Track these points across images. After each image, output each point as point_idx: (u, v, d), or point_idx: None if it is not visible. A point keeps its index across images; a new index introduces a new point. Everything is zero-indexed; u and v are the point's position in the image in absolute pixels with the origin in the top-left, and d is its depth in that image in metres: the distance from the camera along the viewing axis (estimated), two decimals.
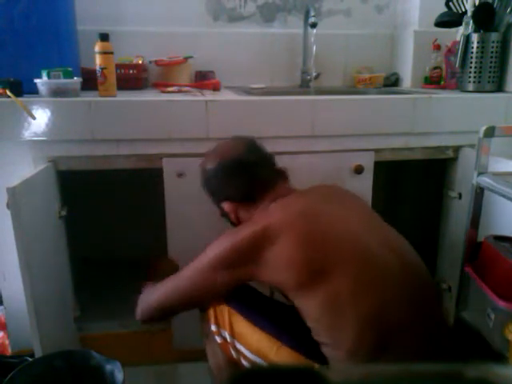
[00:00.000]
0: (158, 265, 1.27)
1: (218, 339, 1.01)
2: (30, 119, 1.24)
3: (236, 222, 1.08)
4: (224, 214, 1.10)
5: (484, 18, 1.56)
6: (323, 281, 0.85)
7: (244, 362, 0.98)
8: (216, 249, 0.95)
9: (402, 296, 0.86)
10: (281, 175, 1.07)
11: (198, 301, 1.01)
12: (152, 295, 1.05)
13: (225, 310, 0.98)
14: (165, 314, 1.05)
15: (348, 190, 1.09)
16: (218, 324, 1.00)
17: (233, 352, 0.99)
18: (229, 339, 0.98)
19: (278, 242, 0.88)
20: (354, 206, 1.03)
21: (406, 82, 1.94)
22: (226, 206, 1.06)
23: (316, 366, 0.90)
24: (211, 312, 1.00)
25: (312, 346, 0.91)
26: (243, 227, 0.96)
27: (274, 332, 0.94)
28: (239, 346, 0.97)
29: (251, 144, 1.08)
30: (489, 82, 1.59)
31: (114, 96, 1.37)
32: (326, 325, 0.86)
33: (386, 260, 0.88)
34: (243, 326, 0.96)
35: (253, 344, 0.95)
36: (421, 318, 0.87)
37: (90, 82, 1.41)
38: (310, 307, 0.87)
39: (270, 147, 1.38)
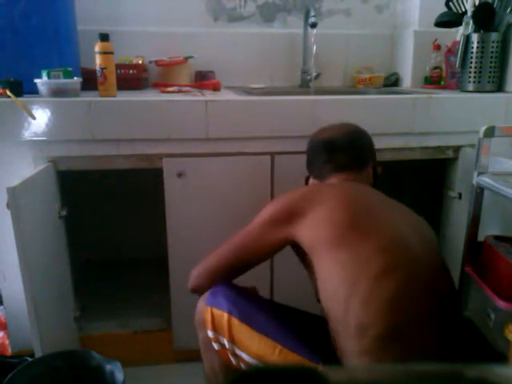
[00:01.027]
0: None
1: (216, 346, 0.99)
2: (30, 119, 1.24)
3: None
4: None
5: (484, 18, 1.56)
6: (353, 244, 0.86)
7: (244, 368, 0.96)
8: (269, 209, 0.98)
9: (423, 286, 0.86)
10: (359, 166, 1.08)
11: (247, 261, 1.02)
12: (206, 262, 1.05)
13: (223, 316, 0.96)
14: (217, 277, 1.03)
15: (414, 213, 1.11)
16: (215, 330, 0.98)
17: (232, 358, 0.97)
18: (227, 345, 0.97)
19: (323, 203, 0.93)
20: (411, 218, 1.03)
21: (406, 82, 1.94)
22: (310, 180, 1.14)
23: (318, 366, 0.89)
24: (208, 317, 0.98)
25: (315, 347, 0.90)
26: (294, 190, 1.01)
27: (274, 335, 0.92)
28: (239, 352, 0.95)
29: (351, 132, 1.11)
30: (489, 82, 1.59)
31: (114, 96, 1.37)
32: (340, 298, 0.84)
33: (416, 250, 0.89)
34: (242, 330, 0.94)
35: (253, 348, 0.93)
36: (436, 312, 0.86)
37: (90, 81, 1.41)
38: (335, 268, 0.86)
39: (269, 147, 1.40)
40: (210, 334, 0.99)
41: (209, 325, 0.98)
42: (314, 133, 1.16)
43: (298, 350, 0.91)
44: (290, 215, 0.94)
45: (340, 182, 1.05)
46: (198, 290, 1.05)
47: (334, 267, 0.87)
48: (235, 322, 0.95)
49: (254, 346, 0.93)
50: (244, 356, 0.95)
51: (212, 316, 0.98)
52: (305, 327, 0.97)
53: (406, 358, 0.80)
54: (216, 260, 1.03)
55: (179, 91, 1.52)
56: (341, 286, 0.85)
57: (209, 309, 0.98)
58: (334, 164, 1.07)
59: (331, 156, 1.07)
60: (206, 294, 1.01)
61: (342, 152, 1.07)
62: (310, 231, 0.91)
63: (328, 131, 1.12)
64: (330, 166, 1.07)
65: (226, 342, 0.97)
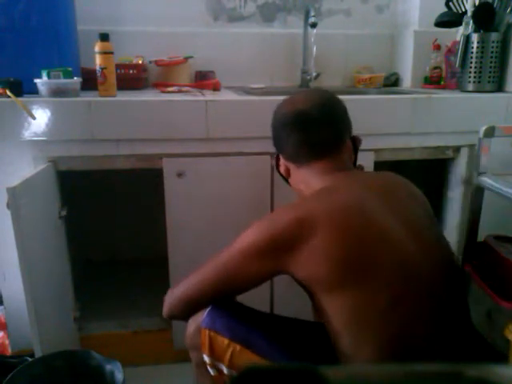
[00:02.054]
0: None
1: (212, 371, 0.94)
2: (30, 119, 1.24)
3: (287, 178, 1.02)
4: (277, 167, 1.05)
5: (484, 18, 1.56)
6: (357, 283, 0.79)
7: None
8: (251, 236, 0.85)
9: (431, 318, 0.82)
10: (339, 145, 0.95)
11: (226, 292, 0.92)
12: (178, 289, 0.97)
13: (223, 341, 0.90)
14: (190, 307, 0.95)
15: (407, 184, 1.01)
16: (212, 356, 0.91)
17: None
18: (226, 371, 0.91)
19: (317, 234, 0.80)
20: (407, 205, 0.93)
21: (406, 82, 1.94)
22: (281, 159, 1.01)
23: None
24: (206, 341, 0.91)
25: (321, 363, 0.87)
26: (281, 214, 0.86)
27: (277, 359, 0.87)
28: None
29: (325, 101, 0.97)
30: (489, 81, 1.59)
31: (114, 96, 1.37)
32: (348, 335, 0.80)
33: (423, 275, 0.83)
34: (244, 355, 0.89)
35: None
36: (444, 332, 0.83)
37: (90, 81, 1.41)
38: (336, 311, 0.81)
39: (269, 147, 1.39)
40: (207, 359, 0.93)
41: (206, 349, 0.92)
42: (280, 103, 1.01)
43: None
44: (277, 248, 0.83)
45: (322, 176, 0.93)
46: (173, 319, 1.01)
47: (336, 306, 0.80)
48: (236, 347, 0.89)
49: None
50: None
51: (210, 340, 0.91)
52: (308, 339, 0.94)
53: None
54: (191, 291, 0.94)
55: (179, 91, 1.52)
56: (347, 327, 0.80)
57: (206, 332, 0.91)
58: (310, 147, 0.94)
59: (305, 134, 0.94)
60: (202, 316, 0.93)
61: (316, 126, 0.94)
62: (306, 270, 0.81)
63: (298, 102, 0.97)
64: (305, 150, 0.94)
65: (224, 368, 0.92)
